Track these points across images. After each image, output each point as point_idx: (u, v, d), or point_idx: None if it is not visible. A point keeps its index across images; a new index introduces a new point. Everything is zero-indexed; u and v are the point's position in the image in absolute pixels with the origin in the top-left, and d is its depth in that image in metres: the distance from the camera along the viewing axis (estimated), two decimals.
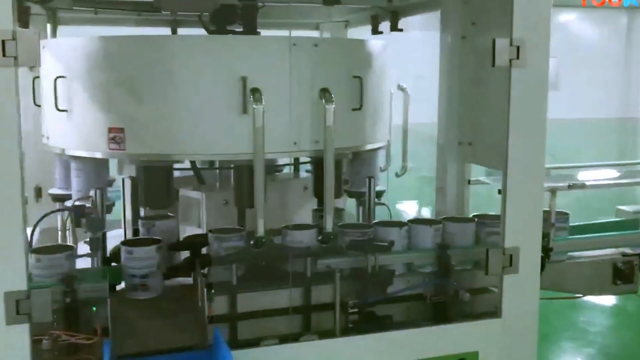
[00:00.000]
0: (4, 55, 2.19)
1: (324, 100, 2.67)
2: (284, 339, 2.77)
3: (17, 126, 2.25)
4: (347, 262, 2.96)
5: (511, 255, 2.91)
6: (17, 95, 2.24)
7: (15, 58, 2.21)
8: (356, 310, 2.98)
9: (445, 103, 3.61)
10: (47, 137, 3.31)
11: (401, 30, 4.15)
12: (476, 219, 3.33)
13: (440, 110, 3.66)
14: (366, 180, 3.65)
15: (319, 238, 3.00)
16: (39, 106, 3.44)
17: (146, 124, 2.96)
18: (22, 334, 2.34)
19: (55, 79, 3.09)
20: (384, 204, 3.69)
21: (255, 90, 2.71)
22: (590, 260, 3.67)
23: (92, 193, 3.04)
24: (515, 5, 2.78)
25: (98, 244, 2.98)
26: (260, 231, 2.78)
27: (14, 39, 2.20)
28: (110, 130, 2.97)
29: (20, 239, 2.30)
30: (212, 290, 2.74)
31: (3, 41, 2.18)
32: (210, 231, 3.05)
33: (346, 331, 2.93)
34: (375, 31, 4.37)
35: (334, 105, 2.70)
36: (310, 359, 2.75)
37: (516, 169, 2.90)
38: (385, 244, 3.03)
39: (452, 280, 3.12)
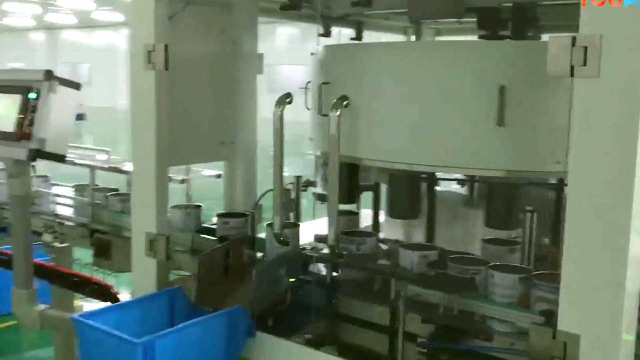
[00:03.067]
0: (148, 62, 3.06)
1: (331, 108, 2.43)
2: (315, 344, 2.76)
3: (157, 115, 3.07)
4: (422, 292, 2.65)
5: (565, 344, 2.05)
6: (158, 98, 3.06)
7: (155, 64, 3.05)
8: (424, 351, 2.64)
9: None
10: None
11: None
12: None
13: None
14: None
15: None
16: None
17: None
18: (151, 266, 3.20)
19: None
20: None
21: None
22: None
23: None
24: None
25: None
26: (331, 239, 2.78)
27: (155, 49, 3.04)
28: None
29: (153, 196, 3.14)
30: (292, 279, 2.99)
31: (149, 52, 3.05)
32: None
33: None
34: None
35: (337, 113, 2.43)
36: None
37: (582, 223, 2.01)
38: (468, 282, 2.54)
39: None
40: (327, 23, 4.13)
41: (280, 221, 2.86)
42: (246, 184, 3.77)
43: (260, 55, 3.85)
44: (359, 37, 4.45)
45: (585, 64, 1.94)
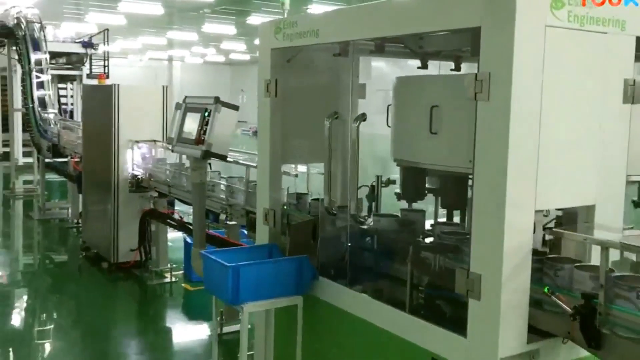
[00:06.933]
0: (266, 91, 4.49)
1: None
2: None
3: (271, 128, 4.49)
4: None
5: (473, 281, 3.01)
6: (272, 116, 4.48)
7: (270, 93, 4.47)
8: (422, 296, 3.69)
9: None
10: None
11: None
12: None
13: None
14: None
15: None
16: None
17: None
18: (266, 231, 4.61)
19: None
20: None
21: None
22: None
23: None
24: (482, 42, 2.91)
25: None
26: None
27: (271, 82, 4.46)
28: None
29: (267, 183, 4.56)
30: (349, 244, 4.21)
31: (267, 84, 4.48)
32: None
33: (410, 306, 3.70)
34: None
35: (356, 124, 3.57)
36: (358, 306, 3.81)
37: (480, 200, 2.97)
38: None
39: None
40: (424, 58, 5.23)
41: (358, 209, 4.08)
42: (343, 180, 5.01)
43: (363, 85, 5.08)
44: (457, 68, 5.46)
45: (482, 92, 2.93)
